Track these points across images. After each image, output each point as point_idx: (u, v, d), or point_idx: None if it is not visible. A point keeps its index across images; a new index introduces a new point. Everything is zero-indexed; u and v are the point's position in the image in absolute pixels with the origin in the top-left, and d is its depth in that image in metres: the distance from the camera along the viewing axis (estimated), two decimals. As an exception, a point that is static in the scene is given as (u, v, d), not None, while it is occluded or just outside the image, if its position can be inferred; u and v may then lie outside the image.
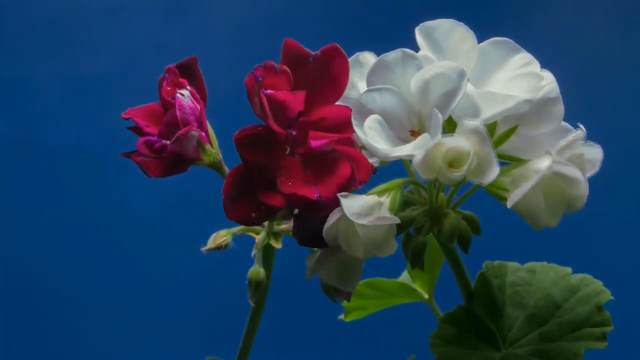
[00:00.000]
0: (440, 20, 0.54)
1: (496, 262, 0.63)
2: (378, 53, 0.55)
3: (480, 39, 0.54)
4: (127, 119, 0.57)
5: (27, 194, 1.38)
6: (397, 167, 0.55)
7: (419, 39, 0.54)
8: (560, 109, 0.54)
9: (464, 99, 0.50)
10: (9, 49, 1.41)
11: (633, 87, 1.38)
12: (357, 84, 0.57)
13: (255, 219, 0.53)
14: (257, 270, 0.60)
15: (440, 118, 0.49)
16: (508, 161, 0.55)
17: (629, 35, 1.41)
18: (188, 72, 0.58)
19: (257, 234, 0.60)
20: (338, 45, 0.55)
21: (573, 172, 0.51)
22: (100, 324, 1.35)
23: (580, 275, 0.61)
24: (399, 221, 0.51)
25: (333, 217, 0.51)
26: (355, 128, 0.51)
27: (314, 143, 0.53)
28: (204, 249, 0.60)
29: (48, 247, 1.36)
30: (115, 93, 1.37)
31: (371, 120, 0.50)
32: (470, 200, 0.54)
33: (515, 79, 0.53)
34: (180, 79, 0.58)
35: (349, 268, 0.55)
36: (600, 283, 0.60)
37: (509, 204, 0.51)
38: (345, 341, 1.27)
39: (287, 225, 0.60)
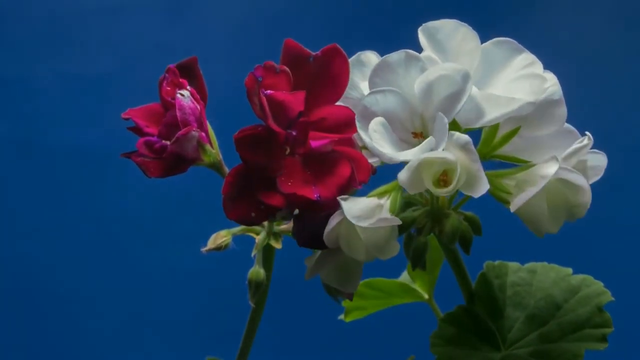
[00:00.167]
0: (444, 20, 0.54)
1: (497, 262, 0.62)
2: (378, 53, 0.55)
3: (480, 39, 0.54)
4: (127, 119, 0.57)
5: (27, 194, 1.38)
6: (397, 168, 0.55)
7: (422, 39, 0.53)
8: (563, 111, 0.54)
9: (467, 101, 0.50)
10: (9, 49, 1.41)
11: (633, 87, 1.38)
12: (359, 83, 0.56)
13: (254, 219, 0.53)
14: (257, 271, 0.60)
15: (446, 122, 0.49)
16: (510, 162, 0.55)
17: (629, 35, 1.41)
18: (188, 72, 0.58)
19: (257, 234, 0.60)
20: (338, 46, 0.55)
21: (579, 179, 0.50)
22: (100, 323, 1.35)
23: (581, 276, 0.61)
24: (400, 222, 0.51)
25: (333, 221, 0.51)
26: (360, 131, 0.50)
27: (314, 143, 0.53)
28: (204, 249, 0.60)
29: (48, 247, 1.36)
30: (115, 93, 1.37)
31: (375, 123, 0.50)
32: (470, 200, 0.54)
33: (518, 80, 0.53)
34: (181, 79, 0.57)
35: (348, 269, 0.55)
36: (601, 284, 0.60)
37: (512, 208, 0.51)
38: (345, 341, 1.27)
39: (287, 226, 0.60)
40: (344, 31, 1.38)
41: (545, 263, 0.62)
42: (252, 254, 0.60)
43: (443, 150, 0.49)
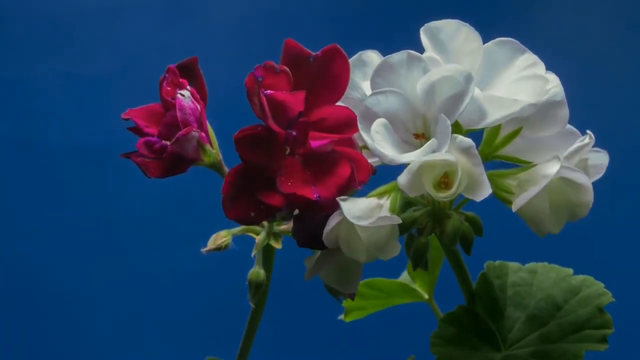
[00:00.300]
0: (446, 20, 0.53)
1: (497, 262, 0.62)
2: (379, 53, 0.55)
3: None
4: (127, 119, 0.57)
5: (27, 194, 1.38)
6: (397, 168, 0.55)
7: (424, 39, 0.53)
8: (565, 112, 0.54)
9: (470, 102, 0.50)
10: (9, 49, 1.41)
11: (633, 87, 1.38)
12: (360, 83, 0.56)
13: (254, 219, 0.53)
14: (257, 271, 0.60)
15: (449, 124, 0.48)
16: (511, 163, 0.55)
17: (629, 35, 1.41)
18: (188, 72, 0.58)
19: (257, 234, 0.60)
20: (338, 46, 0.55)
21: (581, 178, 0.50)
22: (100, 324, 1.35)
23: (581, 277, 0.61)
24: (400, 221, 0.51)
25: (333, 221, 0.51)
26: (362, 133, 0.50)
27: (314, 143, 0.53)
28: (204, 249, 0.60)
29: (48, 247, 1.36)
30: (115, 93, 1.37)
31: (377, 125, 0.50)
32: (471, 200, 0.54)
33: (520, 81, 0.53)
34: (181, 79, 0.57)
35: (348, 269, 0.55)
36: (602, 285, 0.60)
37: (514, 208, 0.51)
38: (345, 341, 1.27)
39: (287, 226, 0.60)
40: (344, 31, 1.38)
41: (546, 263, 0.62)
42: (252, 254, 0.60)
43: (445, 152, 0.49)
